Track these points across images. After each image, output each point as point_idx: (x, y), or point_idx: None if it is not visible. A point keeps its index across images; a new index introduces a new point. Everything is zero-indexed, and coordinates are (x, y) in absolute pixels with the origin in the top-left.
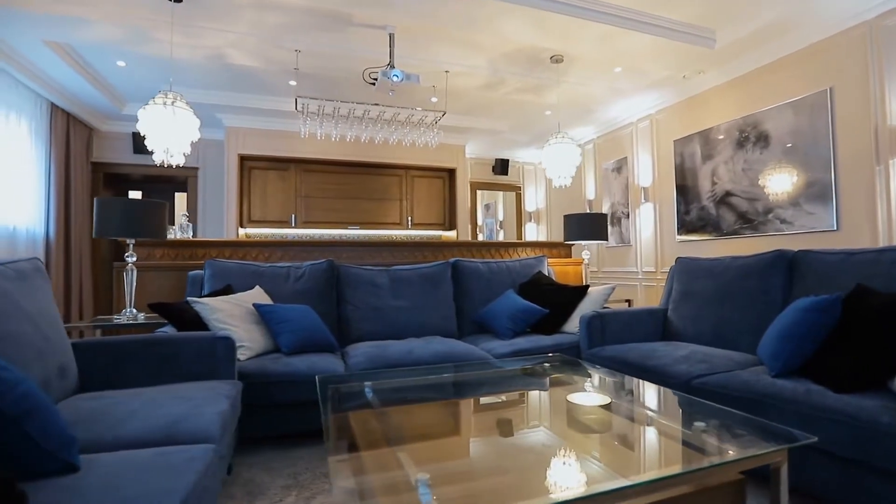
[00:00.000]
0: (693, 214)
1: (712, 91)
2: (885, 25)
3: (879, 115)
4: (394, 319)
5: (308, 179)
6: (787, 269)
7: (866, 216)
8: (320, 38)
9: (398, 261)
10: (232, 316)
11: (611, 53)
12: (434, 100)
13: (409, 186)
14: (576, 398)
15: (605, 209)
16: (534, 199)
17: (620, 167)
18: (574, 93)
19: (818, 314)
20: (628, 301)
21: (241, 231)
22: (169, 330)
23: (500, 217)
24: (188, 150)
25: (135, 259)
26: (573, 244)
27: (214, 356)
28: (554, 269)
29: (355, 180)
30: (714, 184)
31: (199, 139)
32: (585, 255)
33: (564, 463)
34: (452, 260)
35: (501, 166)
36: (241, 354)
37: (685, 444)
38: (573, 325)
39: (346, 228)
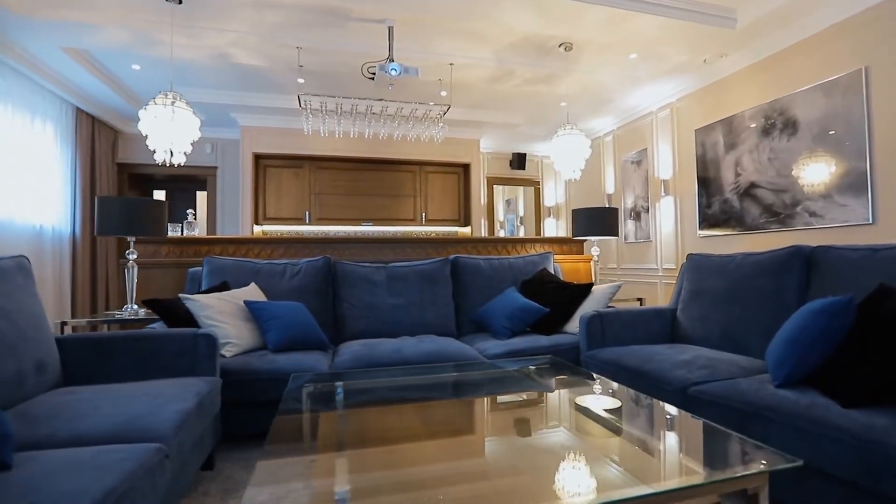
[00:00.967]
0: (715, 208)
1: (735, 76)
2: None
3: None
4: (389, 317)
5: (322, 176)
6: (805, 266)
7: None
8: (320, 35)
9: (405, 258)
10: (221, 313)
11: (622, 39)
12: (443, 93)
13: (424, 182)
14: (548, 405)
15: (624, 203)
16: (553, 194)
17: (640, 159)
18: (588, 82)
19: (829, 318)
20: (640, 300)
21: (257, 228)
22: (158, 326)
23: (521, 213)
24: (189, 150)
25: (135, 256)
26: (585, 240)
27: (195, 353)
28: (562, 266)
29: (369, 177)
30: (738, 175)
31: (217, 139)
32: (595, 251)
33: (494, 480)
34: (452, 257)
35: (518, 161)
36: (227, 351)
37: (651, 463)
38: (575, 325)
39: (360, 225)
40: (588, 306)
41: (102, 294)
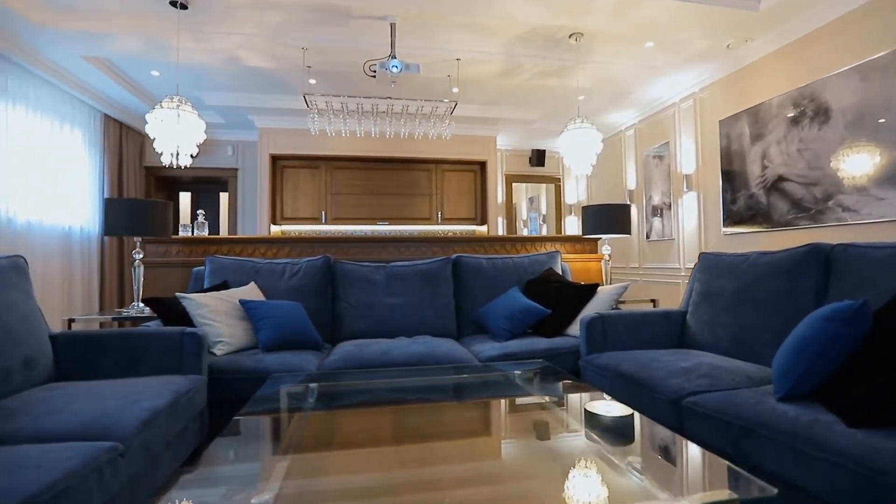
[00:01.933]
0: (740, 203)
1: (762, 61)
2: None
3: None
4: (387, 317)
5: (338, 176)
6: (823, 266)
7: None
8: (323, 34)
9: (411, 257)
10: (216, 311)
11: (635, 26)
12: (455, 90)
13: (440, 181)
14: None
15: (646, 200)
16: (574, 191)
17: (662, 154)
18: (604, 74)
19: (839, 325)
20: (653, 301)
21: (275, 228)
22: (153, 324)
23: (544, 211)
24: (195, 152)
25: (142, 256)
26: (598, 239)
27: (182, 351)
28: (573, 265)
29: (384, 176)
30: (764, 168)
31: (238, 141)
32: (606, 249)
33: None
34: (453, 256)
35: (538, 157)
36: (219, 350)
37: (605, 482)
38: (577, 327)
39: (376, 224)
40: (592, 308)
41: (129, 291)
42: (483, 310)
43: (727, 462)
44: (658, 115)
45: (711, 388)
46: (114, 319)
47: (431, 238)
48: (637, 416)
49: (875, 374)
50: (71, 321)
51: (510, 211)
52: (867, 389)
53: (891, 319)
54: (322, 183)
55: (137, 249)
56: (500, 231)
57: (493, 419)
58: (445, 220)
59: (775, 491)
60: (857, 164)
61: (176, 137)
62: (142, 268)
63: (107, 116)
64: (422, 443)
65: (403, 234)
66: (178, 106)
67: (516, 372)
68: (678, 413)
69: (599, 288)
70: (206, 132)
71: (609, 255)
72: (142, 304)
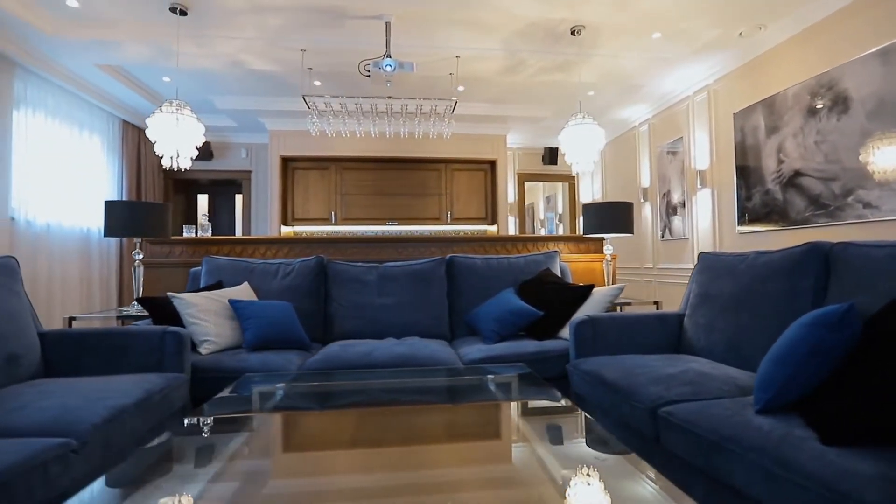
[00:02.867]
0: (756, 200)
1: (776, 49)
2: None
3: None
4: (378, 318)
5: (347, 177)
6: (823, 267)
7: None
8: (322, 35)
9: (408, 257)
10: (206, 311)
11: (638, 17)
12: (461, 88)
13: (449, 180)
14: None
15: (659, 197)
16: (589, 189)
17: (676, 150)
18: (611, 68)
19: (824, 331)
20: (657, 303)
21: (286, 229)
22: (143, 323)
23: (560, 210)
24: (195, 154)
25: (141, 256)
26: (603, 238)
27: (163, 350)
28: (576, 266)
29: (394, 176)
30: (780, 162)
31: (251, 144)
32: (608, 249)
33: None
34: (448, 256)
35: (550, 156)
36: (205, 349)
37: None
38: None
39: (385, 224)
40: (587, 310)
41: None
42: (475, 311)
43: (678, 486)
44: (672, 110)
45: (693, 398)
46: (118, 318)
47: (431, 238)
48: (581, 420)
49: (856, 386)
50: (72, 319)
51: (522, 210)
52: (846, 403)
53: (883, 326)
54: (332, 184)
55: (137, 250)
56: (513, 231)
57: (439, 425)
58: (455, 220)
59: None
60: (880, 156)
61: (175, 140)
62: (141, 268)
63: (125, 122)
64: (366, 448)
65: (401, 235)
66: (177, 110)
67: (489, 376)
68: (654, 423)
69: (595, 289)
70: (220, 136)
71: (611, 255)
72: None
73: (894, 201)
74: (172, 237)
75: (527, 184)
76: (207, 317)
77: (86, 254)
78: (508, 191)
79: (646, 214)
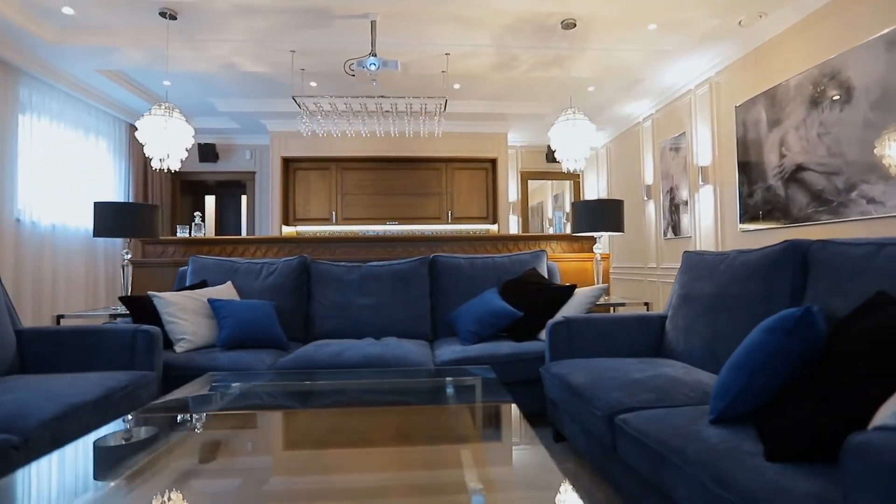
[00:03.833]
0: (757, 197)
1: (779, 38)
2: None
3: None
4: (359, 318)
5: (348, 177)
6: (800, 267)
7: None
8: (310, 36)
9: (398, 257)
10: (184, 310)
11: (631, 8)
12: (456, 86)
13: (450, 179)
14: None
15: (662, 195)
16: (594, 187)
17: (679, 145)
18: (608, 62)
19: (781, 336)
20: (647, 304)
21: (288, 229)
22: (121, 322)
23: (567, 208)
24: (184, 156)
25: (130, 256)
26: (594, 236)
27: (134, 348)
28: (566, 266)
29: (394, 175)
30: (782, 156)
31: (255, 145)
32: (598, 248)
33: None
34: (431, 256)
35: (553, 153)
36: (180, 347)
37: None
38: None
39: (385, 224)
40: (568, 310)
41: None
42: (455, 312)
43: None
44: (674, 104)
45: (655, 405)
46: (110, 316)
47: (420, 238)
48: (520, 427)
49: (805, 397)
50: (60, 317)
51: (525, 209)
52: (792, 416)
53: (846, 332)
54: (332, 184)
55: (126, 250)
56: (515, 230)
57: (375, 428)
58: (456, 220)
59: None
60: (884, 149)
61: (164, 142)
62: (130, 267)
63: (131, 126)
64: (302, 449)
65: (392, 234)
66: (166, 113)
67: (448, 378)
68: (612, 431)
69: (577, 290)
70: (225, 138)
71: (602, 254)
72: None
73: None
74: (165, 237)
75: (535, 182)
76: (185, 315)
77: (91, 254)
78: (510, 189)
79: (649, 212)
